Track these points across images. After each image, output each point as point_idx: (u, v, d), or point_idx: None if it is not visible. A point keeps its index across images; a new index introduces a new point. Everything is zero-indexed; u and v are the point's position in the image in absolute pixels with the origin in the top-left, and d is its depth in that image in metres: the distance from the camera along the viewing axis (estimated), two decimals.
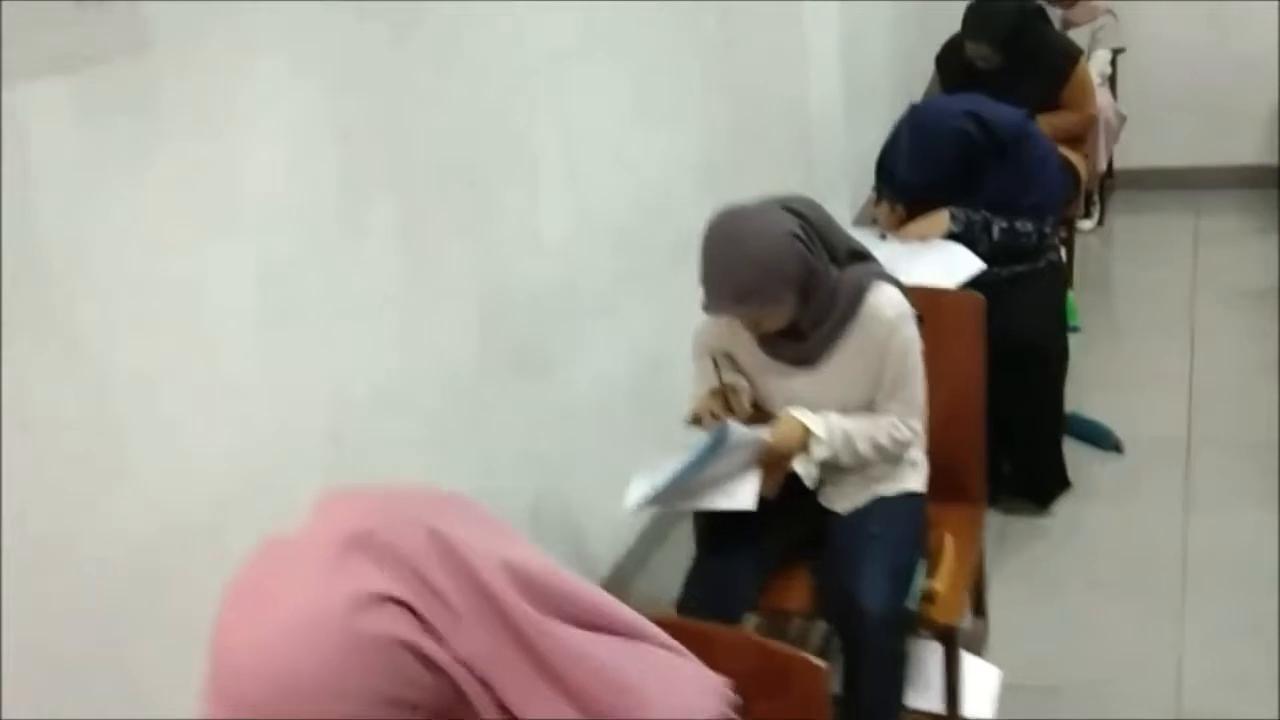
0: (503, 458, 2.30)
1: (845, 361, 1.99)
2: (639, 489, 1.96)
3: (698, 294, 1.93)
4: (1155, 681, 2.37)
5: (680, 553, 2.32)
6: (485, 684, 0.89)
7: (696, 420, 2.01)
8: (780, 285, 1.88)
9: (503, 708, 0.90)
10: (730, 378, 2.07)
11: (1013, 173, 2.92)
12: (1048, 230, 2.99)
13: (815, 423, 1.96)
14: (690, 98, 3.08)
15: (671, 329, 2.39)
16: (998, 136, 2.90)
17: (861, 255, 2.04)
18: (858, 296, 1.97)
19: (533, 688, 0.91)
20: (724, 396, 2.01)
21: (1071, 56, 3.94)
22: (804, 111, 3.41)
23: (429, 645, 0.85)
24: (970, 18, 3.83)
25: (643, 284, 2.85)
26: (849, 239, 2.03)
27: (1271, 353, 3.65)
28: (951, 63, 4.07)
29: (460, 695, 0.88)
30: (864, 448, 1.99)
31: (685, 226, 2.16)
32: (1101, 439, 3.21)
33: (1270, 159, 5.04)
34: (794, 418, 1.97)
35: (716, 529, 2.04)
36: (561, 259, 2.50)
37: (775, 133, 3.36)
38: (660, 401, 2.43)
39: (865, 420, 2.00)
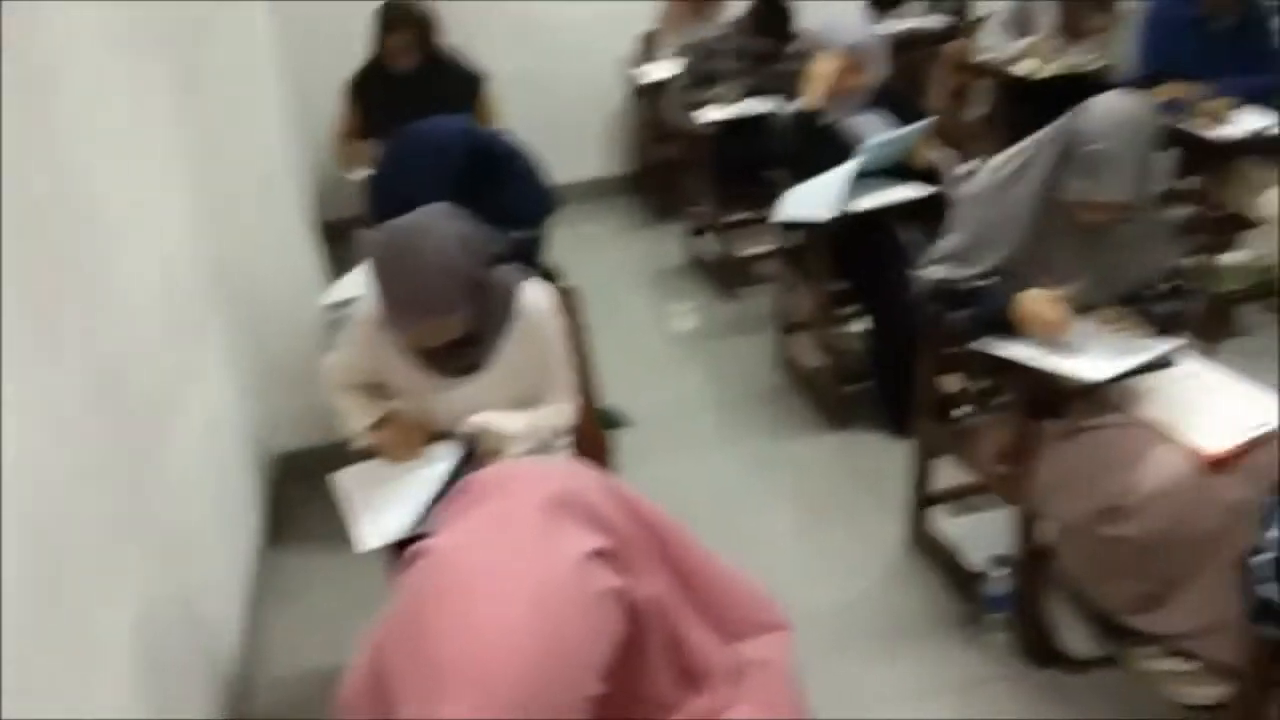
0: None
1: (512, 362, 2.09)
2: (376, 529, 1.88)
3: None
4: None
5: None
6: (664, 617, 0.92)
7: (379, 454, 1.98)
8: (460, 291, 1.93)
9: (672, 642, 0.94)
10: (390, 405, 2.06)
11: (507, 187, 3.15)
12: (539, 238, 3.28)
13: (508, 425, 2.03)
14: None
15: None
16: (492, 152, 3.12)
17: (500, 258, 2.14)
18: (513, 297, 2.08)
19: (694, 620, 0.96)
20: (403, 424, 2.00)
21: (479, 78, 4.32)
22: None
23: (633, 587, 0.87)
24: (384, 15, 4.07)
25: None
26: (493, 242, 2.12)
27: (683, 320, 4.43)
28: (367, 86, 4.24)
29: (638, 640, 0.90)
30: (549, 437, 2.10)
31: None
32: (622, 420, 3.60)
33: (612, 171, 5.95)
34: (490, 428, 2.01)
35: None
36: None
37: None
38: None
39: (542, 411, 2.12)
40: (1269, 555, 1.54)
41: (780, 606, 1.08)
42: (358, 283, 2.77)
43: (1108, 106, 2.23)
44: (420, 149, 3.05)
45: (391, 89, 4.05)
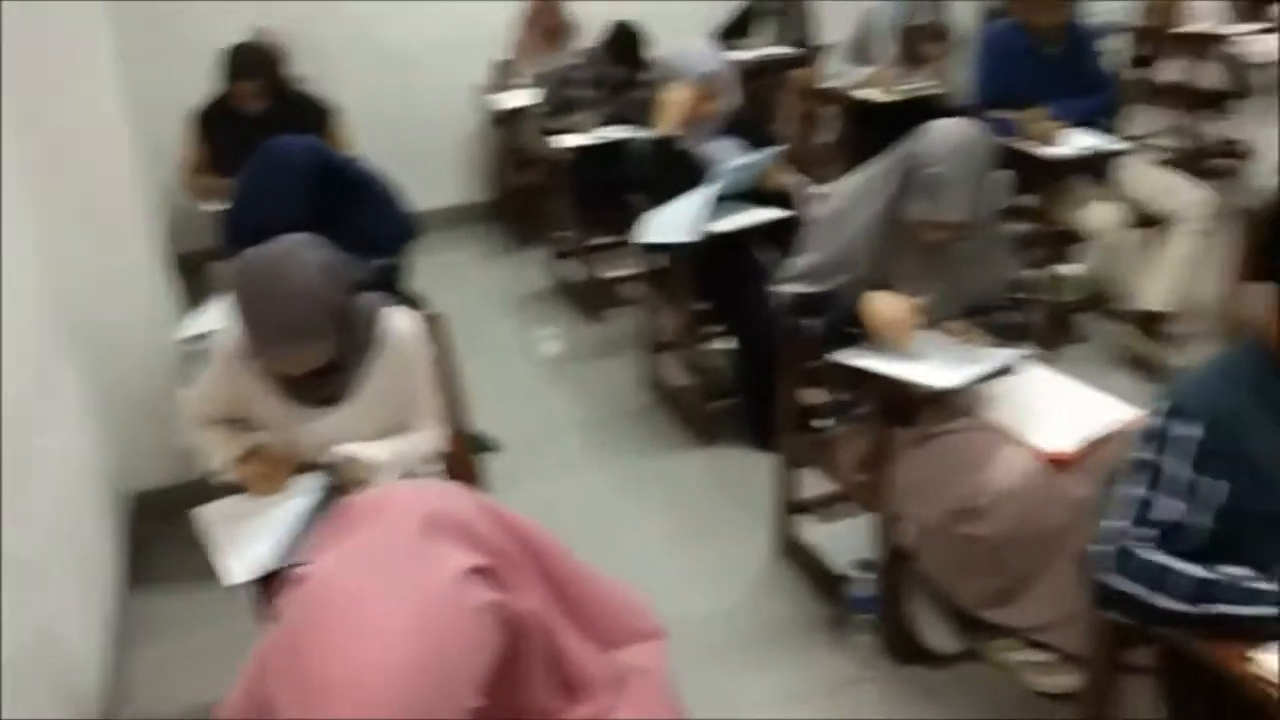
0: None
1: (377, 390, 2.08)
2: (243, 562, 1.85)
3: None
4: None
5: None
6: (542, 630, 0.95)
7: (245, 487, 1.95)
8: (325, 318, 1.91)
9: (552, 654, 0.96)
10: (254, 438, 2.03)
11: (365, 213, 3.13)
12: (400, 265, 3.27)
13: (374, 454, 2.02)
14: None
15: None
16: (345, 175, 3.09)
17: (362, 285, 2.13)
18: (377, 324, 2.07)
19: (572, 631, 0.99)
20: (268, 457, 1.97)
21: (328, 110, 4.28)
22: None
23: (510, 601, 0.90)
24: (235, 61, 3.99)
25: None
26: (354, 270, 2.11)
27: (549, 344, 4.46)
28: (214, 124, 4.17)
29: (517, 652, 0.92)
30: (416, 464, 2.10)
31: None
32: (491, 445, 3.59)
33: (472, 198, 5.94)
34: (356, 457, 2.00)
35: None
36: None
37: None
38: None
39: (409, 438, 2.11)
40: (1107, 546, 1.65)
41: (654, 614, 1.11)
42: (215, 315, 2.72)
43: (944, 131, 2.36)
44: (271, 168, 3.01)
45: (239, 128, 3.98)
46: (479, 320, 4.63)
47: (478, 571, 0.86)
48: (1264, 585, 1.55)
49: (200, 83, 4.23)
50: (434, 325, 2.40)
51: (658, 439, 3.71)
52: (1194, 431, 1.63)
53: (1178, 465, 1.63)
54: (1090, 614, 1.83)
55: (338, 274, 1.96)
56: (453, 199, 5.86)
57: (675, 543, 3.14)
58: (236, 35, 4.31)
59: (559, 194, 4.74)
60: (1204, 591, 1.57)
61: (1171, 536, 1.62)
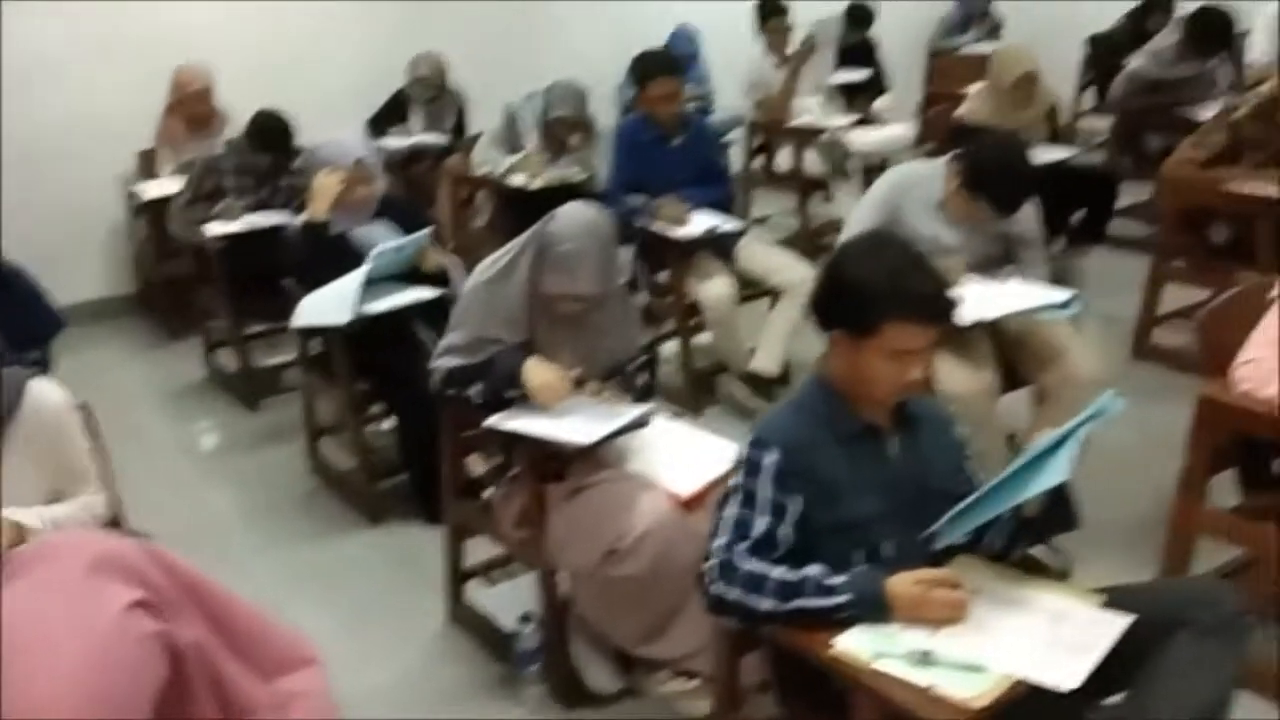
0: None
1: (24, 461, 2.03)
2: None
3: None
4: None
5: None
6: (204, 660, 1.05)
7: None
8: None
9: (215, 682, 1.06)
10: None
11: (5, 310, 3.01)
12: (46, 361, 3.15)
13: (26, 518, 1.97)
14: None
15: None
16: None
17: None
18: (18, 396, 2.04)
19: (234, 662, 1.09)
20: None
21: None
22: None
23: (172, 631, 1.00)
24: None
25: None
26: None
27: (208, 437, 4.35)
28: None
29: (181, 680, 1.02)
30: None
31: None
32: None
33: (118, 290, 5.70)
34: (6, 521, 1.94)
35: None
36: None
37: None
38: None
39: (68, 505, 2.07)
40: (714, 560, 1.92)
41: (309, 641, 1.22)
42: None
43: (572, 213, 2.63)
44: None
45: None
46: (132, 417, 4.45)
47: (141, 605, 0.95)
48: (836, 580, 1.86)
49: None
50: (82, 418, 2.35)
51: (326, 524, 3.72)
52: (773, 458, 1.94)
53: (763, 487, 1.93)
54: (711, 625, 2.09)
55: None
56: (98, 292, 5.60)
57: (349, 623, 3.17)
58: None
59: (210, 283, 4.67)
60: (790, 590, 1.86)
61: (763, 547, 1.91)
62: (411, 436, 3.59)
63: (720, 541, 1.94)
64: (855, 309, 1.96)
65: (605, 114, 5.66)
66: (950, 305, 2.01)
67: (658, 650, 2.62)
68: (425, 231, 3.58)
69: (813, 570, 1.87)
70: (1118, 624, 1.81)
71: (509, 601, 2.99)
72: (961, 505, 1.92)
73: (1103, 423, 1.89)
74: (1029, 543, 2.08)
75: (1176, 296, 4.57)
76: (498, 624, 3.00)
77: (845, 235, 3.30)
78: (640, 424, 2.63)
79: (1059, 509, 2.00)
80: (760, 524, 1.93)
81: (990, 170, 3.31)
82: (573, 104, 4.86)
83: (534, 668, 2.79)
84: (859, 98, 6.79)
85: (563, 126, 4.85)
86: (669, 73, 4.34)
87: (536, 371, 2.62)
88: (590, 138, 4.93)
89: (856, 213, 3.59)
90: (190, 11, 5.58)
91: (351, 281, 3.37)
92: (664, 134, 4.37)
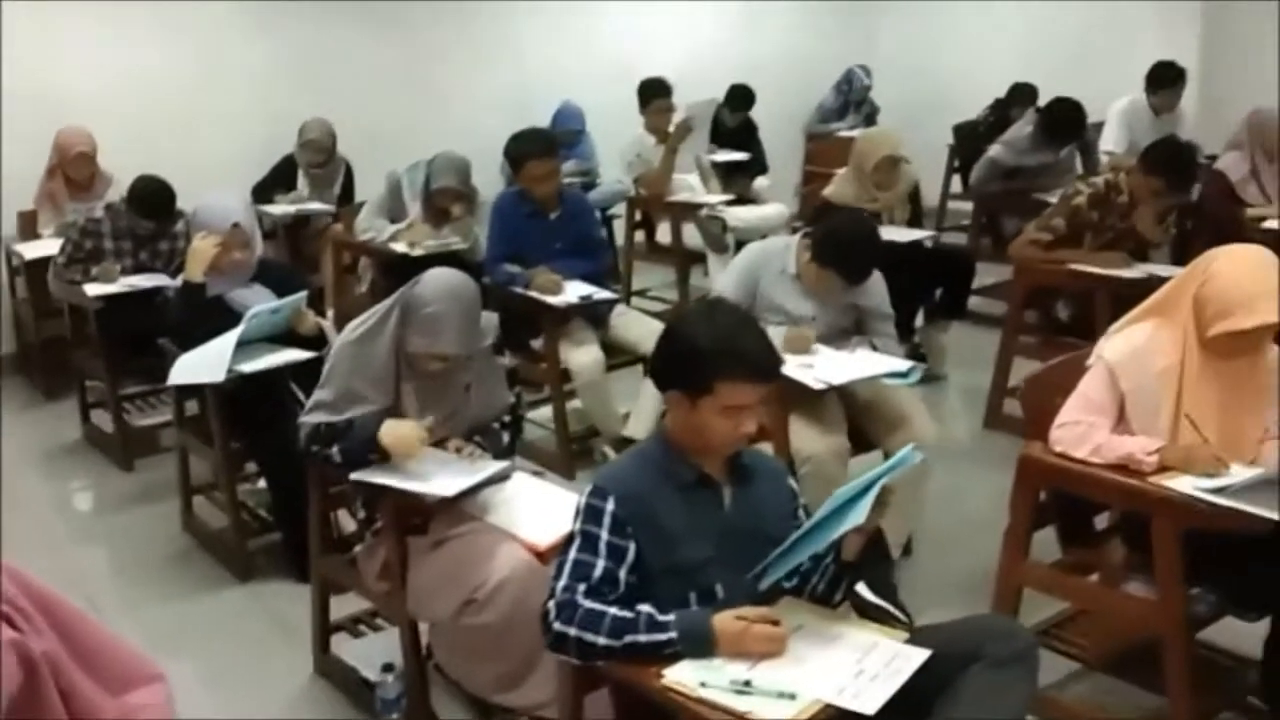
0: None
1: None
2: None
3: None
4: None
5: None
6: (56, 670, 1.15)
7: None
8: None
9: (65, 693, 1.17)
10: None
11: None
12: None
13: None
14: None
15: None
16: None
17: None
18: None
19: (83, 676, 1.19)
20: None
21: None
22: None
23: (25, 640, 1.10)
24: None
25: None
26: None
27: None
28: None
29: (34, 688, 1.13)
30: None
31: None
32: None
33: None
34: None
35: None
36: None
37: None
38: None
39: None
40: (555, 600, 2.05)
41: (154, 661, 1.32)
42: None
43: (437, 276, 2.78)
44: None
45: None
46: (5, 475, 4.42)
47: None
48: (666, 618, 2.01)
49: None
50: None
51: (196, 583, 3.74)
52: (608, 505, 2.09)
53: (599, 531, 2.08)
54: (556, 664, 2.21)
55: None
56: None
57: (216, 677, 3.19)
58: None
59: (87, 344, 4.67)
60: (624, 627, 2.00)
61: (600, 588, 2.05)
62: (283, 495, 3.65)
63: (561, 583, 2.07)
64: (691, 369, 2.13)
65: (494, 181, 5.81)
66: (777, 364, 2.20)
67: (514, 699, 2.72)
68: (301, 295, 3.69)
69: (645, 609, 2.02)
70: (917, 656, 1.98)
71: (374, 653, 3.05)
72: (781, 548, 2.09)
73: (899, 473, 2.09)
74: (851, 582, 2.25)
75: (1029, 369, 4.87)
76: (361, 675, 3.06)
77: None
78: (501, 478, 2.76)
79: (873, 551, 2.19)
80: (599, 567, 2.07)
81: (838, 243, 3.57)
82: (455, 174, 5.01)
83: (395, 716, 2.85)
84: (740, 176, 7.11)
85: (445, 196, 5.00)
86: (543, 155, 4.54)
87: (391, 426, 2.73)
88: (473, 207, 5.09)
89: (719, 283, 3.80)
90: (75, 73, 5.63)
91: (226, 341, 3.45)
92: (539, 208, 4.56)
